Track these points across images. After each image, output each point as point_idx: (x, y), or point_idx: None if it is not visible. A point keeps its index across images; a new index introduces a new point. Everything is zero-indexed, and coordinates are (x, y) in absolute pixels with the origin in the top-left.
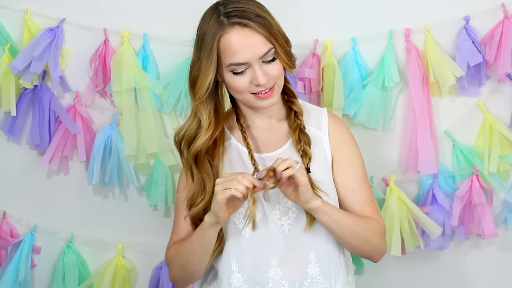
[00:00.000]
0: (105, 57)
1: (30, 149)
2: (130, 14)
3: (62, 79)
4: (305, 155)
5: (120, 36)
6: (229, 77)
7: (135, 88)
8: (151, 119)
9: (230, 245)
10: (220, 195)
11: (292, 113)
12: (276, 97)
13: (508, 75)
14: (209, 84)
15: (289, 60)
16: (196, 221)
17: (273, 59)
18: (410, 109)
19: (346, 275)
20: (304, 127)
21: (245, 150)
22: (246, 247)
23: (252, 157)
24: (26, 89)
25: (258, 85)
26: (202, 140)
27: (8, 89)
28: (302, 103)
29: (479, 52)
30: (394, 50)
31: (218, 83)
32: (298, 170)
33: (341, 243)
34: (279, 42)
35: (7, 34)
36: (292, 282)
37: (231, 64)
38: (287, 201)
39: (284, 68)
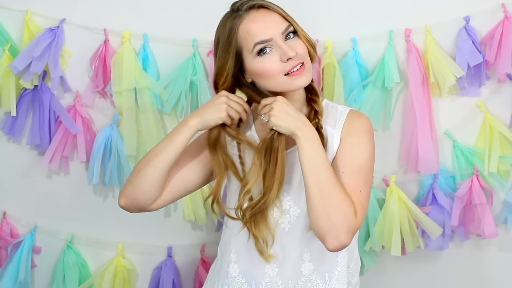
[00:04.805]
0: (105, 57)
1: (30, 149)
2: (130, 14)
3: (62, 79)
4: None
5: (120, 36)
6: (257, 63)
7: (135, 88)
8: (151, 119)
9: (232, 234)
10: (223, 112)
11: (313, 112)
12: (309, 75)
13: (508, 75)
14: (228, 71)
15: (310, 42)
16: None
17: (295, 36)
18: (410, 109)
19: (345, 271)
20: (322, 127)
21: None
22: (244, 240)
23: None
24: (26, 89)
25: (289, 59)
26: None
27: (8, 89)
28: (326, 103)
29: (479, 52)
30: (394, 50)
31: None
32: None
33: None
34: (297, 24)
35: (7, 34)
36: (285, 280)
37: (255, 45)
38: (289, 199)
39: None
